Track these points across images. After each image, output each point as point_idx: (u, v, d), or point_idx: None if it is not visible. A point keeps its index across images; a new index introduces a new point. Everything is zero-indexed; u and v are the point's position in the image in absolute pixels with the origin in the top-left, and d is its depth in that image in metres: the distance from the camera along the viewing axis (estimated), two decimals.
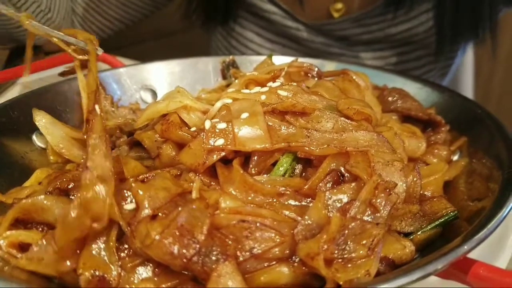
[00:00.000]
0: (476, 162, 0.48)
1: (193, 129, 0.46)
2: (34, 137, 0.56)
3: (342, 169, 0.39)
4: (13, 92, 0.75)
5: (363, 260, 0.33)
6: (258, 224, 0.35)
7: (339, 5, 0.88)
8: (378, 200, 0.35)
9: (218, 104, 0.44)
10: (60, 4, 0.91)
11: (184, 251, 0.32)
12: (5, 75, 0.72)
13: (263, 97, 0.44)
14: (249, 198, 0.38)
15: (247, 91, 0.46)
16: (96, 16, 0.98)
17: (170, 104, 0.46)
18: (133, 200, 0.37)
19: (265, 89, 0.46)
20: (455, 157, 0.52)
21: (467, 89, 1.22)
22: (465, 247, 0.33)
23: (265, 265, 0.34)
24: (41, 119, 0.55)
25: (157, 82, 0.70)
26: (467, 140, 0.52)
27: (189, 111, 0.46)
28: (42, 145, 0.56)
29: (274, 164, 0.41)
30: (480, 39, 0.86)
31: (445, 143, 0.53)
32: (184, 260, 0.32)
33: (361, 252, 0.33)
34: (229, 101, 0.44)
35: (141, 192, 0.36)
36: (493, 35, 0.84)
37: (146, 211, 0.35)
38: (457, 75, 1.16)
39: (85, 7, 0.96)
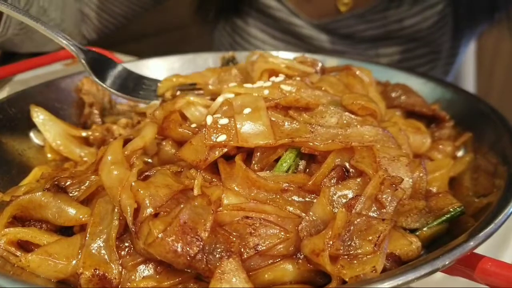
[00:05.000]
0: (481, 157, 0.48)
1: (193, 125, 0.45)
2: (31, 134, 0.55)
3: (347, 164, 0.38)
4: (10, 89, 0.74)
5: (369, 256, 0.32)
6: (262, 221, 0.34)
7: None
8: (384, 196, 0.35)
9: (220, 99, 0.43)
10: (71, 13, 0.92)
11: (188, 248, 0.31)
12: (3, 71, 0.71)
13: (266, 91, 0.43)
14: (252, 194, 0.37)
15: (249, 85, 0.46)
16: (101, 13, 0.98)
17: (176, 104, 0.46)
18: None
19: (268, 83, 0.45)
20: (460, 153, 0.52)
21: (469, 86, 1.22)
22: (472, 242, 0.33)
23: (270, 262, 0.34)
24: (39, 115, 0.54)
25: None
26: (472, 136, 0.52)
27: (192, 106, 0.45)
28: (40, 142, 0.55)
29: (277, 160, 0.40)
30: (496, 21, 0.86)
31: (449, 138, 0.52)
32: (188, 258, 0.31)
33: (367, 248, 0.32)
34: (231, 95, 0.44)
35: (141, 191, 0.35)
36: (510, 15, 0.84)
37: (148, 210, 0.34)
38: (459, 72, 1.16)
39: (91, 5, 0.96)
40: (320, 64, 0.53)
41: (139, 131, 0.44)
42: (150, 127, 0.43)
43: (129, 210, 0.34)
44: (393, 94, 0.55)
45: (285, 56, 0.60)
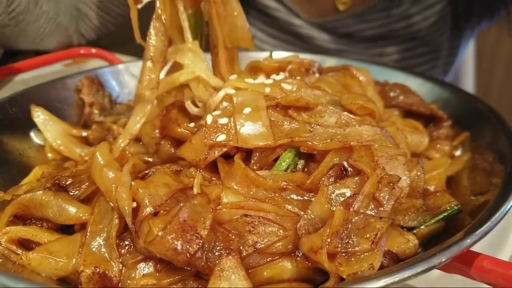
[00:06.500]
0: (478, 157, 0.48)
1: (191, 125, 0.45)
2: (32, 134, 0.56)
3: (345, 163, 0.38)
4: (11, 89, 0.74)
5: (367, 253, 0.33)
6: (260, 219, 0.35)
7: None
8: (382, 194, 0.35)
9: (221, 94, 0.43)
10: (66, 7, 0.92)
11: (188, 246, 0.31)
12: (3, 72, 0.71)
13: (267, 89, 0.43)
14: (251, 193, 0.38)
15: (251, 80, 0.46)
16: (100, 13, 0.98)
17: (181, 76, 0.45)
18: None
19: (269, 81, 0.45)
20: (458, 152, 0.52)
21: (469, 85, 1.23)
22: (468, 240, 0.33)
23: (268, 260, 0.34)
24: (39, 115, 0.55)
25: None
26: (470, 135, 0.52)
27: (201, 83, 0.44)
28: (41, 142, 0.56)
29: (276, 159, 0.40)
30: (495, 20, 0.86)
31: (447, 138, 0.53)
32: (188, 255, 0.31)
33: (364, 245, 0.33)
34: (232, 91, 0.44)
35: (141, 190, 0.35)
36: (509, 11, 0.84)
37: (148, 209, 0.34)
38: (459, 71, 1.17)
39: (90, 5, 0.96)
40: (316, 65, 0.53)
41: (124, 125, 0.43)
42: (131, 119, 0.42)
43: (127, 210, 0.35)
44: (392, 94, 0.55)
45: (281, 55, 0.61)
